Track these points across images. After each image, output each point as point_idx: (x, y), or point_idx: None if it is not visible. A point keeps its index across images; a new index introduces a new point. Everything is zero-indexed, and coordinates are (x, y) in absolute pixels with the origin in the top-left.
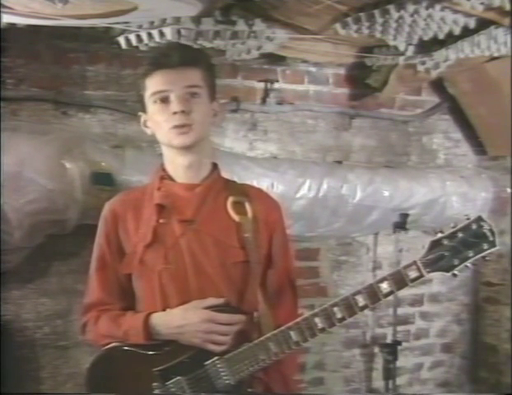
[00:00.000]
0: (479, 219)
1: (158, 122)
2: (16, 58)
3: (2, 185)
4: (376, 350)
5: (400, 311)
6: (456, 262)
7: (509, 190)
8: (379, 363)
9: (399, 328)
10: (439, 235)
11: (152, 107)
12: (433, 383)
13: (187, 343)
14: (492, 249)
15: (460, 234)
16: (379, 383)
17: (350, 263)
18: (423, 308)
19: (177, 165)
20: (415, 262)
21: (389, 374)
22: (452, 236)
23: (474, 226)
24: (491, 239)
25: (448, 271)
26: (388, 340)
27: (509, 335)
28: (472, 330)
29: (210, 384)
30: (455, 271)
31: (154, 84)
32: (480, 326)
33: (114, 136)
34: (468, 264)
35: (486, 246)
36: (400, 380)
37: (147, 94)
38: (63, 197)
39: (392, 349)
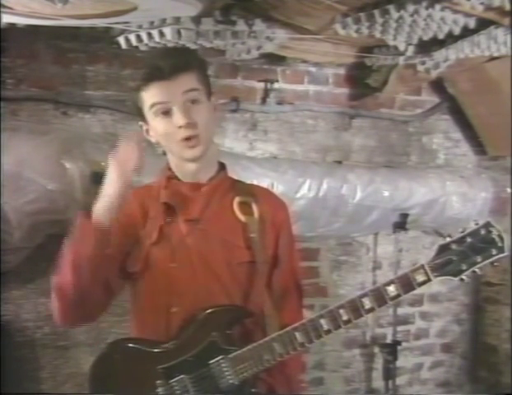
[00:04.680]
0: (488, 224)
1: (164, 135)
2: (16, 58)
3: (2, 185)
4: (376, 350)
5: (400, 311)
6: (464, 267)
7: (509, 190)
8: (379, 363)
9: (399, 328)
10: (448, 240)
11: (154, 120)
12: (433, 383)
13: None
14: (501, 255)
15: (469, 239)
16: (379, 383)
17: (350, 263)
18: (423, 308)
19: (184, 170)
20: (422, 266)
21: (389, 374)
22: (460, 241)
23: (483, 231)
24: (499, 244)
25: (455, 275)
26: (388, 340)
27: (509, 335)
28: (472, 330)
29: (213, 384)
30: (463, 276)
31: (151, 96)
32: (480, 326)
33: (114, 136)
34: (476, 269)
35: (494, 251)
36: (400, 380)
37: (146, 106)
38: (63, 197)
39: (392, 349)
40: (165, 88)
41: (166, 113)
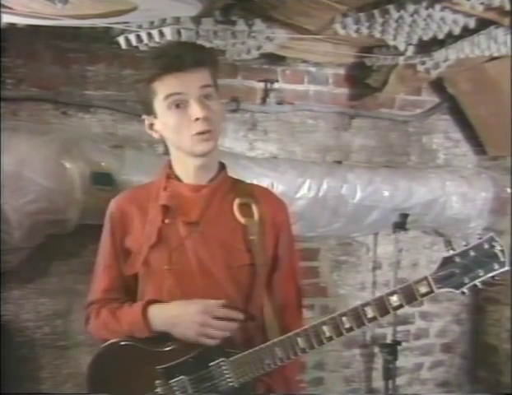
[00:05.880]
0: (491, 238)
1: (176, 128)
2: (16, 58)
3: (2, 185)
4: (376, 350)
5: (400, 311)
6: (466, 280)
7: (509, 190)
8: (379, 363)
9: (399, 328)
10: (452, 252)
11: (167, 112)
12: (433, 383)
13: (180, 336)
14: (503, 270)
15: (472, 253)
16: (379, 383)
17: (350, 263)
18: (423, 308)
19: (187, 166)
20: (426, 278)
21: (389, 374)
22: (464, 254)
23: (486, 246)
24: (502, 259)
25: (457, 288)
26: (388, 340)
27: (509, 335)
28: (472, 330)
29: (213, 386)
30: (464, 290)
31: (167, 87)
32: (480, 326)
33: (114, 136)
34: (478, 283)
35: (496, 266)
36: (400, 380)
37: (159, 98)
38: (63, 197)
39: (392, 349)
40: (181, 79)
41: (180, 105)
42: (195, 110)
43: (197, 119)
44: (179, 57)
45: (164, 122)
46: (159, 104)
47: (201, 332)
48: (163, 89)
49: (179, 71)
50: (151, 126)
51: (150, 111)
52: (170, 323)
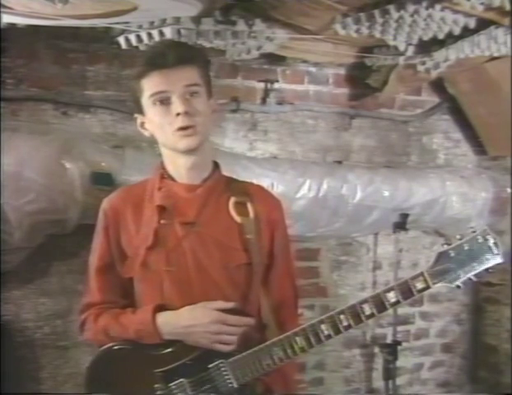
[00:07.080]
0: (485, 231)
1: (160, 124)
2: (16, 58)
3: (2, 185)
4: (376, 350)
5: (400, 311)
6: (461, 274)
7: (509, 190)
8: (379, 363)
9: (399, 328)
10: (446, 247)
11: (152, 109)
12: (433, 383)
13: (193, 343)
14: (496, 262)
15: (466, 247)
16: (379, 383)
17: (350, 263)
18: (423, 308)
19: (178, 166)
20: (422, 274)
21: (389, 374)
22: (458, 248)
23: (480, 239)
24: (495, 251)
25: (452, 282)
26: (388, 340)
27: (509, 335)
28: (472, 330)
29: (213, 387)
30: (459, 283)
31: (152, 85)
32: (480, 326)
33: (114, 136)
34: (472, 276)
35: (490, 258)
36: (400, 380)
37: (145, 95)
38: (63, 197)
39: (392, 349)
40: (166, 77)
41: (164, 102)
42: (176, 105)
43: (178, 114)
44: (164, 54)
45: (150, 119)
46: (145, 102)
47: (215, 339)
48: (149, 86)
49: (163, 68)
50: (143, 124)
51: (140, 109)
52: (183, 333)
